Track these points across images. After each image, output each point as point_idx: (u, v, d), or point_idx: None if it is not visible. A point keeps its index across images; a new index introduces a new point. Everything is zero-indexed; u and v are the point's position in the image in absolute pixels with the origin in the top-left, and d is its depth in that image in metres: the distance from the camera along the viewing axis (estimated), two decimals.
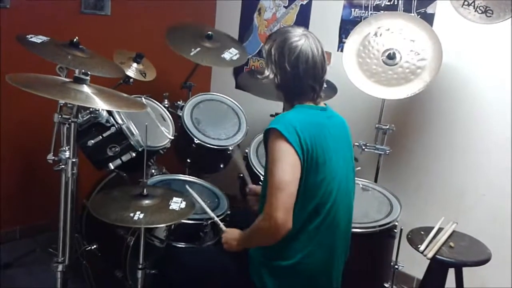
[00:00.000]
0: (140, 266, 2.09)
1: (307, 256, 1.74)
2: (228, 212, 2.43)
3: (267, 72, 1.79)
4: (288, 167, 1.62)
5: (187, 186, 2.20)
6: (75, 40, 2.22)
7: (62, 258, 2.08)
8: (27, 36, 2.18)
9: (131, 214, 1.91)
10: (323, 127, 1.74)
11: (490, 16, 2.58)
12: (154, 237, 2.24)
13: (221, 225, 1.99)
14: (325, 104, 1.87)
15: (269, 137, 1.69)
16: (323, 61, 1.77)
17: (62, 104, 1.99)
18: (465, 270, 2.23)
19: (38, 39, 2.19)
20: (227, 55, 2.99)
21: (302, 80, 1.75)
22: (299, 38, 1.75)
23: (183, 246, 2.30)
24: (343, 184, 1.79)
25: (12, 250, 2.94)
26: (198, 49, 2.92)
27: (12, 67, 2.64)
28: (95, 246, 2.48)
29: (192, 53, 2.88)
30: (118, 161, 2.33)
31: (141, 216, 1.91)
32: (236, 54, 3.02)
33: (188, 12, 3.66)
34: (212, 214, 2.08)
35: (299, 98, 1.79)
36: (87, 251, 2.47)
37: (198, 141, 2.72)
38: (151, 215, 1.94)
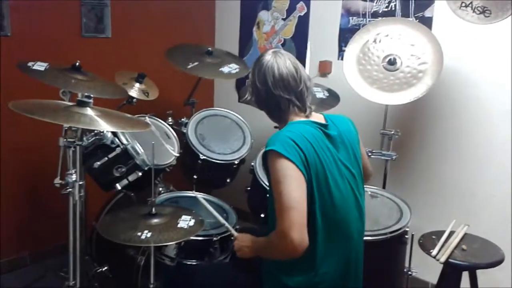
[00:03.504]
0: (151, 286, 2.08)
1: (324, 272, 1.72)
2: (237, 227, 2.42)
3: (248, 94, 1.86)
4: (294, 184, 1.61)
5: (198, 196, 2.18)
6: (77, 64, 2.25)
7: (73, 282, 2.08)
8: (28, 64, 2.20)
9: (139, 234, 1.91)
10: (320, 139, 1.73)
11: (489, 16, 2.58)
12: (165, 255, 2.24)
13: (233, 231, 1.99)
14: (322, 114, 1.87)
15: (268, 159, 1.68)
16: (295, 74, 1.78)
17: (66, 128, 2.01)
18: (479, 272, 2.20)
19: (40, 66, 2.21)
20: (226, 69, 3.00)
21: (273, 93, 1.77)
22: (267, 56, 1.80)
23: (194, 263, 2.30)
24: (350, 194, 1.77)
25: (23, 276, 2.95)
26: (196, 63, 2.94)
27: (15, 94, 2.68)
28: (106, 268, 2.48)
29: (189, 66, 2.90)
30: (125, 181, 2.34)
31: (149, 235, 1.91)
32: (236, 69, 3.03)
33: (187, 31, 3.70)
34: (222, 221, 2.08)
35: (280, 113, 1.81)
36: (98, 273, 2.47)
37: (204, 157, 2.72)
38: (159, 233, 1.94)
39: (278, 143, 1.65)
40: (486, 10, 2.58)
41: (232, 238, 1.98)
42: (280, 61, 1.77)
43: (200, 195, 2.65)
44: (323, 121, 1.81)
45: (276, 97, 1.77)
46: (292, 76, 1.77)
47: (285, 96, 1.77)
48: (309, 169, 1.65)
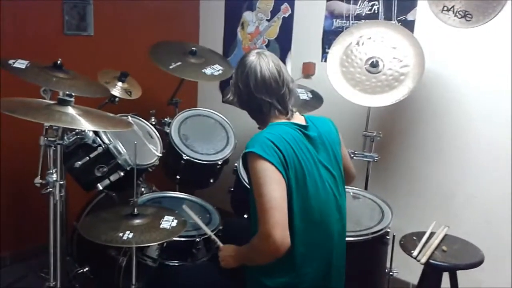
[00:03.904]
0: (133, 287, 2.07)
1: (305, 272, 1.73)
2: (221, 227, 2.42)
3: (230, 94, 1.86)
4: (274, 185, 1.61)
5: (184, 207, 2.18)
6: (58, 62, 2.22)
7: (54, 283, 2.06)
8: (9, 62, 2.17)
9: (121, 234, 1.89)
10: (299, 141, 1.73)
11: (470, 20, 2.62)
12: (147, 256, 2.22)
13: (218, 242, 1.97)
14: (303, 115, 1.87)
15: (248, 161, 1.69)
16: (278, 77, 1.77)
17: (47, 127, 1.98)
18: (460, 273, 2.23)
19: (20, 64, 2.18)
20: (208, 71, 2.98)
21: (255, 96, 1.77)
22: (251, 56, 1.80)
23: (176, 264, 2.29)
24: (329, 195, 1.78)
25: (3, 276, 2.90)
26: (179, 63, 2.92)
27: None
28: (87, 269, 2.45)
29: (171, 67, 2.88)
30: (106, 181, 2.32)
31: (131, 235, 1.89)
32: (219, 70, 3.02)
33: (171, 30, 3.68)
34: (209, 232, 2.07)
35: (262, 115, 1.82)
36: (79, 274, 2.44)
37: (187, 157, 2.71)
38: (141, 234, 1.92)
39: (257, 144, 1.66)
40: (468, 14, 2.62)
41: (216, 246, 1.98)
42: (263, 63, 1.77)
43: (185, 198, 2.66)
44: (303, 123, 1.82)
45: (258, 100, 1.77)
46: (275, 79, 1.76)
47: (266, 99, 1.77)
48: (288, 170, 1.65)
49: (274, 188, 1.61)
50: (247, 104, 1.84)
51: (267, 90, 1.76)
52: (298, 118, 1.84)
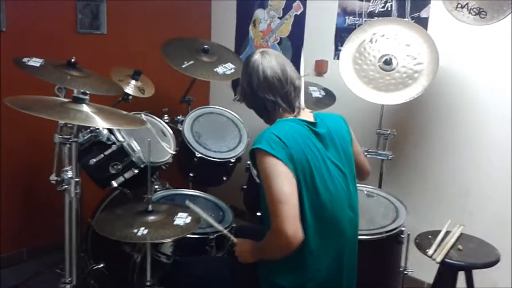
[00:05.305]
0: (147, 283, 2.08)
1: (316, 269, 1.73)
2: (234, 225, 2.42)
3: (237, 94, 1.88)
4: (283, 180, 1.62)
5: (187, 202, 2.17)
6: (72, 60, 2.24)
7: (70, 279, 2.07)
8: (23, 60, 2.19)
9: (135, 231, 1.90)
10: (307, 137, 1.73)
11: (484, 18, 2.59)
12: (161, 253, 2.23)
13: (232, 237, 1.97)
14: (312, 112, 1.86)
15: (256, 158, 1.69)
16: (281, 75, 1.77)
17: (62, 125, 2.00)
18: (475, 272, 2.21)
19: (35, 62, 2.20)
20: (220, 69, 2.99)
21: (258, 95, 1.77)
22: (255, 56, 1.80)
23: None
24: (339, 192, 1.77)
25: (19, 273, 2.92)
26: (191, 62, 2.93)
27: (10, 89, 2.66)
28: (102, 265, 2.47)
29: (184, 66, 2.89)
30: (121, 179, 2.32)
31: (145, 232, 1.90)
32: (231, 69, 3.02)
33: (183, 28, 3.69)
34: (220, 227, 2.07)
35: (268, 113, 1.82)
36: (94, 270, 2.46)
37: (200, 155, 2.71)
38: (155, 231, 1.93)
39: (264, 140, 1.66)
40: (482, 11, 2.60)
41: (231, 243, 1.98)
42: (266, 62, 1.77)
43: (198, 195, 2.67)
44: (311, 119, 1.81)
45: (262, 99, 1.78)
46: (278, 78, 1.76)
47: (270, 98, 1.77)
48: (296, 166, 1.65)
49: (283, 182, 1.61)
50: (252, 103, 1.85)
51: (270, 89, 1.76)
52: (306, 115, 1.84)
